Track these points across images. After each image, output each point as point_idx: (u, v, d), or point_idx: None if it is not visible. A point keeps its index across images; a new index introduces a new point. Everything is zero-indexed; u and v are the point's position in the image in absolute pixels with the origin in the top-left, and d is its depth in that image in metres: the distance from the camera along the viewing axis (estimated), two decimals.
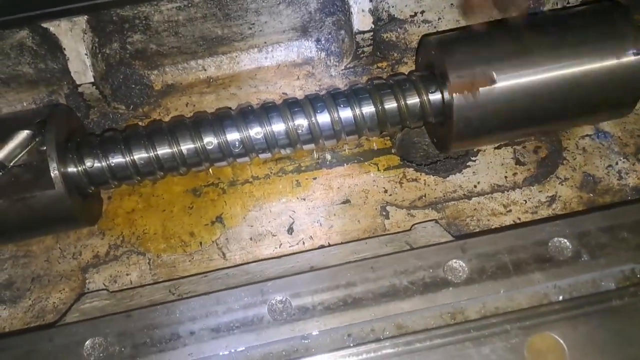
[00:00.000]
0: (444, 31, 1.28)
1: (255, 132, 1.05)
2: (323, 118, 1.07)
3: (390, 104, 1.06)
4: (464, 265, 0.88)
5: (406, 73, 1.15)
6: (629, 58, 1.01)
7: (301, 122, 1.06)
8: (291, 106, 1.08)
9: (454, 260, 0.88)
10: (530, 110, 1.03)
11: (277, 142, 1.07)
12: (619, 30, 1.03)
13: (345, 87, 1.29)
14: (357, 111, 1.05)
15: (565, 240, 0.89)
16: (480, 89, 1.00)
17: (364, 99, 1.06)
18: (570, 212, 1.07)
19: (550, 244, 0.90)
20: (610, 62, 1.01)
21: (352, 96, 1.07)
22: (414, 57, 1.28)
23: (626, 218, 0.94)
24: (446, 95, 1.02)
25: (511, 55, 1.03)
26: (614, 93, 1.04)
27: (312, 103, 1.07)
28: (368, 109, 1.06)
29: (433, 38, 1.10)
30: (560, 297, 0.85)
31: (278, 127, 1.06)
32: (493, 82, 1.00)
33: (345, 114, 1.06)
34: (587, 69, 1.01)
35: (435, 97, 1.04)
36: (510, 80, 1.00)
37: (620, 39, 1.02)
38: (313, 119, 1.06)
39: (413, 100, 1.06)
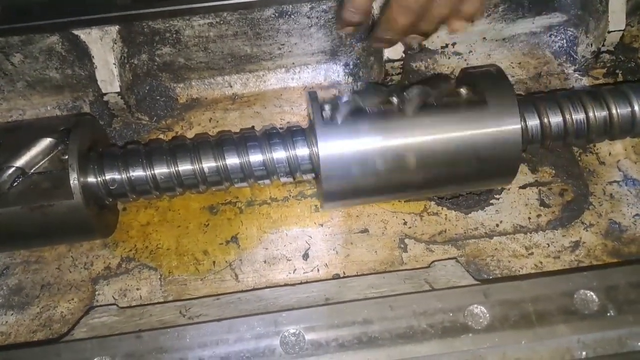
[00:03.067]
0: None
1: (278, 155, 1.04)
2: None
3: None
4: (485, 311, 0.85)
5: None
6: (507, 127, 0.97)
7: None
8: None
9: (475, 306, 0.86)
10: (403, 172, 0.99)
11: (299, 167, 1.05)
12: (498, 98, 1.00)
13: None
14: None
15: (592, 293, 0.86)
16: (347, 142, 0.96)
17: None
18: (598, 264, 1.03)
19: (576, 295, 0.86)
20: (485, 130, 0.97)
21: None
22: None
23: None
24: (315, 149, 0.99)
25: (383, 114, 0.99)
26: (491, 160, 0.99)
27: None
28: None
29: (310, 92, 1.07)
30: (584, 353, 0.82)
31: (302, 151, 1.04)
32: (360, 136, 0.96)
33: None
34: (463, 135, 0.97)
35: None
36: (377, 139, 0.97)
37: (498, 108, 0.99)
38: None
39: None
